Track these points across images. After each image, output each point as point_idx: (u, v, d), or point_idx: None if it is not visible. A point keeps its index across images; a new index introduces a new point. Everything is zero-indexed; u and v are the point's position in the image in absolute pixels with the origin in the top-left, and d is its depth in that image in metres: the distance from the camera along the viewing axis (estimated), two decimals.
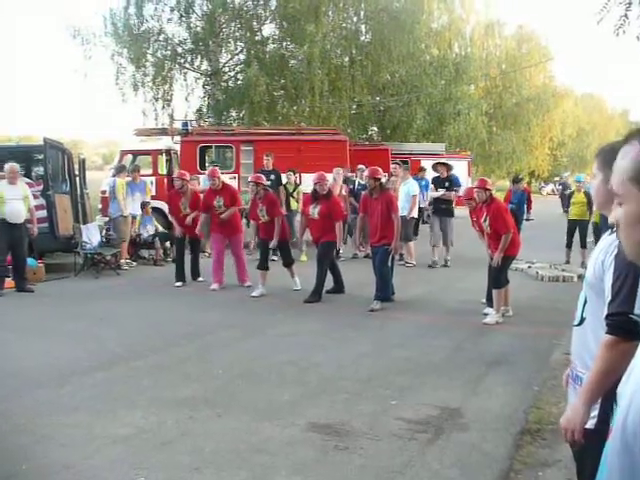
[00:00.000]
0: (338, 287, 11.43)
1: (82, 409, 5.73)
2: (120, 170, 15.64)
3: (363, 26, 30.03)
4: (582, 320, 2.79)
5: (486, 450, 4.89)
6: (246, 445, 4.91)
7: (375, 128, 33.53)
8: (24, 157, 14.45)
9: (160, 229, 16.02)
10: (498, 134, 41.57)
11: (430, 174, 16.78)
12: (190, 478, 4.40)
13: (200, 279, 12.69)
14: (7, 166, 11.92)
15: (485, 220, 9.22)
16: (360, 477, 4.44)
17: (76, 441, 5.02)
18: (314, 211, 10.96)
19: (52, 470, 4.54)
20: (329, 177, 14.05)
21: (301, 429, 5.22)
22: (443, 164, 15.30)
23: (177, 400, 5.92)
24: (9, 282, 11.96)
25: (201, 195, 13.05)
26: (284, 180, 15.91)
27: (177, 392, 6.17)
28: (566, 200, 16.29)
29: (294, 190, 15.56)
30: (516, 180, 15.91)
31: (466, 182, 25.51)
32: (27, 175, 14.13)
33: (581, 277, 10.26)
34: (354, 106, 29.71)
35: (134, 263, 15.12)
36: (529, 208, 15.79)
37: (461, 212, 15.93)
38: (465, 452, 4.83)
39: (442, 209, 14.70)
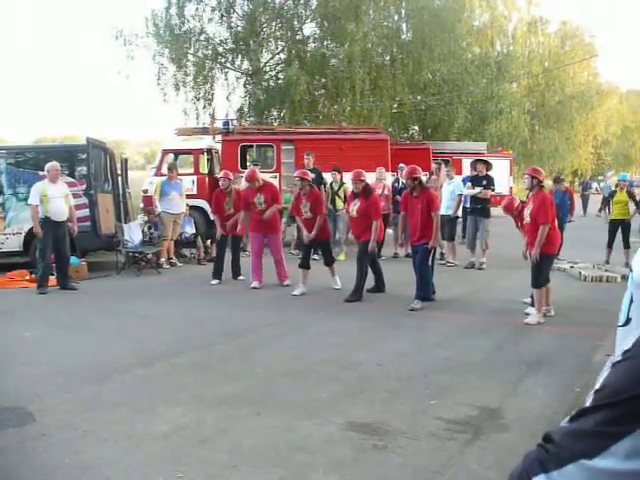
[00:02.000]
0: (379, 286, 11.41)
1: (123, 405, 5.79)
2: (170, 169, 15.74)
3: (404, 24, 29.98)
4: (627, 321, 2.72)
5: (526, 452, 4.82)
6: (284, 443, 4.92)
7: (416, 127, 33.44)
8: (67, 157, 14.63)
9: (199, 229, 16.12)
10: (540, 133, 41.20)
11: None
12: (228, 475, 4.41)
13: (241, 278, 12.74)
14: (49, 165, 12.10)
15: (528, 209, 9.10)
16: (398, 476, 4.42)
17: (117, 437, 5.08)
18: (353, 209, 10.97)
19: (93, 464, 4.59)
20: (371, 176, 14.08)
21: (339, 427, 5.21)
22: (482, 161, 15.06)
23: (217, 398, 5.95)
24: (52, 280, 12.14)
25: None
26: (328, 179, 15.89)
27: (217, 390, 6.19)
28: (604, 201, 15.94)
29: (339, 188, 15.53)
30: (557, 180, 15.57)
31: (508, 182, 25.36)
32: (71, 174, 14.31)
33: (625, 277, 10.10)
34: (395, 105, 29.65)
35: (176, 262, 15.22)
36: (572, 209, 15.30)
37: (498, 211, 15.85)
38: (504, 453, 4.77)
39: (478, 209, 14.37)
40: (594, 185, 33.91)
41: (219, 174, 13.97)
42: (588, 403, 1.53)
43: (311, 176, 12.10)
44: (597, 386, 1.54)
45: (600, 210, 29.16)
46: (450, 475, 4.42)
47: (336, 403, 5.81)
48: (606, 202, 29.66)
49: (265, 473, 4.44)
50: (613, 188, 17.49)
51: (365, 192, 10.97)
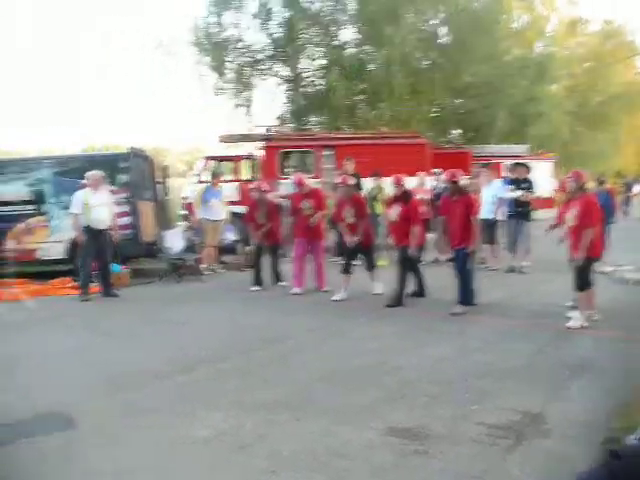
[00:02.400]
0: (420, 291, 11.36)
1: (163, 411, 5.84)
2: (213, 176, 15.86)
3: (443, 27, 29.78)
4: None
5: (569, 458, 4.76)
6: (324, 449, 4.91)
7: (456, 131, 33.20)
8: (109, 165, 14.81)
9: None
10: (583, 134, 40.64)
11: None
12: None
13: (281, 283, 12.76)
14: (91, 174, 12.26)
15: (572, 212, 8.98)
16: None
17: (157, 442, 5.13)
18: (393, 213, 10.94)
19: (133, 469, 4.64)
20: (411, 181, 14.05)
21: (379, 433, 5.18)
22: (522, 165, 14.91)
23: (256, 403, 5.96)
24: (95, 287, 12.28)
25: (282, 201, 13.16)
26: (367, 184, 15.88)
27: (256, 395, 6.21)
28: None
29: (378, 194, 15.51)
30: (600, 182, 15.36)
31: (550, 184, 25.06)
32: (112, 183, 14.49)
33: None
34: (434, 109, 29.51)
35: (217, 268, 15.30)
36: (614, 211, 14.98)
37: (540, 214, 15.68)
38: (547, 460, 4.71)
39: (518, 212, 14.15)
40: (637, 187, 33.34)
41: (252, 185, 13.99)
42: None
43: (352, 182, 12.09)
44: None
45: None
46: None
47: (376, 408, 5.79)
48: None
49: (304, 479, 4.44)
50: None
51: (405, 196, 10.95)
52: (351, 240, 11.43)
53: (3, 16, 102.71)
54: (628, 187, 35.36)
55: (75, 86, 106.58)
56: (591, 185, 12.59)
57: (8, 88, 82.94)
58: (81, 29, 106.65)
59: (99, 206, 12.09)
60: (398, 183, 10.95)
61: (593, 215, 8.85)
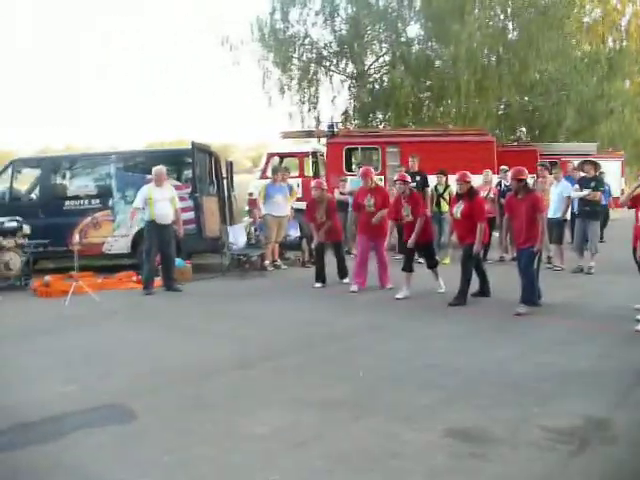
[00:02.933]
0: (484, 290, 11.22)
1: (222, 406, 5.87)
2: (274, 172, 15.92)
3: (510, 23, 29.28)
4: None
5: (636, 467, 4.62)
6: (381, 448, 4.85)
7: (523, 128, 32.67)
8: (174, 160, 15.00)
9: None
10: None
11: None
12: (323, 479, 4.40)
13: (345, 280, 12.71)
14: (155, 169, 12.41)
15: None
16: None
17: (215, 436, 5.14)
18: (457, 210, 10.83)
19: (190, 462, 4.67)
20: (477, 178, 13.88)
21: (438, 434, 5.10)
22: (591, 162, 14.55)
23: (315, 401, 5.94)
24: (158, 281, 12.43)
25: (346, 197, 13.13)
26: (432, 182, 15.75)
27: (316, 393, 6.19)
28: None
29: (444, 191, 15.37)
30: None
31: (619, 183, 24.52)
32: (177, 178, 14.66)
33: None
34: (501, 106, 29.12)
35: (281, 264, 15.34)
36: None
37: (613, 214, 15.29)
38: (612, 468, 4.57)
39: (586, 211, 13.75)
40: None
41: (312, 183, 13.94)
42: None
43: (409, 179, 11.97)
44: None
45: None
46: None
47: (436, 409, 5.72)
48: None
49: (360, 479, 4.40)
50: None
51: (469, 194, 10.82)
52: (411, 240, 11.31)
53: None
54: None
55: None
56: None
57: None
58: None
59: (162, 201, 12.22)
60: (463, 180, 10.82)
61: None
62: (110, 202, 14.71)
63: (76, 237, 12.93)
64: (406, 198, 11.42)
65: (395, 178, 12.02)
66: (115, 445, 5.04)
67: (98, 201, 14.81)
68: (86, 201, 14.81)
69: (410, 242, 11.32)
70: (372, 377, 6.74)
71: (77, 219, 14.60)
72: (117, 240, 14.59)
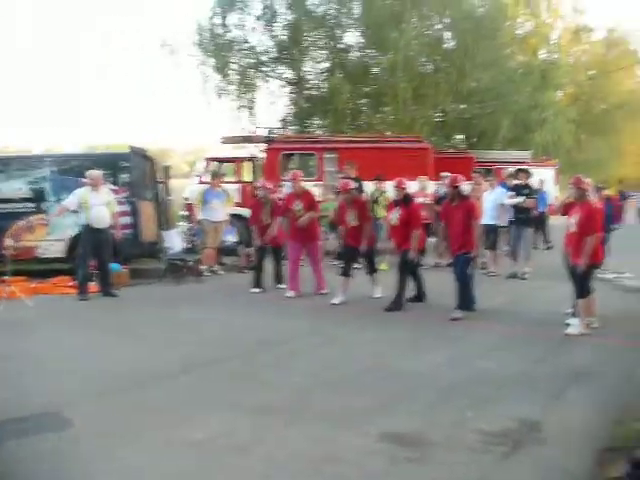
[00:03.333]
0: (419, 295, 11.32)
1: (160, 412, 5.81)
2: (212, 177, 15.84)
3: (447, 33, 29.74)
4: None
5: (566, 466, 4.72)
6: (319, 453, 4.87)
7: (460, 136, 33.15)
8: (111, 164, 14.81)
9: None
10: (586, 141, 40.61)
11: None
12: None
13: (282, 286, 12.69)
14: (90, 173, 12.27)
15: (574, 217, 8.94)
16: None
17: (153, 443, 5.10)
18: (394, 217, 10.91)
19: (128, 470, 4.62)
20: (413, 185, 14.01)
21: (374, 439, 5.14)
22: (523, 171, 14.84)
23: (254, 407, 5.92)
24: (94, 286, 12.26)
25: (282, 203, 13.11)
26: (369, 188, 15.84)
27: (254, 398, 6.17)
28: None
29: (380, 197, 15.45)
30: (599, 188, 15.16)
31: (553, 190, 24.99)
32: (114, 182, 14.48)
33: None
34: (438, 114, 29.45)
35: (218, 269, 15.26)
36: (617, 217, 14.74)
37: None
38: (543, 468, 4.67)
39: (520, 218, 14.04)
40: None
41: (257, 183, 13.98)
42: None
43: (353, 186, 12.03)
44: None
45: None
46: None
47: (373, 414, 5.74)
48: None
49: None
50: None
51: (406, 200, 10.91)
52: (362, 247, 11.35)
53: (3, 16, 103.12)
54: (623, 196, 35.37)
55: (76, 86, 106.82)
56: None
57: (8, 88, 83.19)
58: (81, 29, 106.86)
59: (99, 205, 12.07)
60: (400, 187, 10.91)
61: (596, 222, 8.81)
62: (44, 205, 14.45)
63: (9, 241, 12.69)
64: (351, 204, 11.46)
65: (337, 187, 12.01)
66: (51, 454, 4.95)
67: (32, 204, 14.54)
68: (20, 204, 14.53)
69: (361, 249, 11.36)
70: (308, 382, 6.75)
71: (10, 222, 14.31)
72: (52, 244, 14.35)
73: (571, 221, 9.00)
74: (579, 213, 8.90)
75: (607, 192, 15.17)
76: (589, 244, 8.69)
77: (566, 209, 9.42)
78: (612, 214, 14.15)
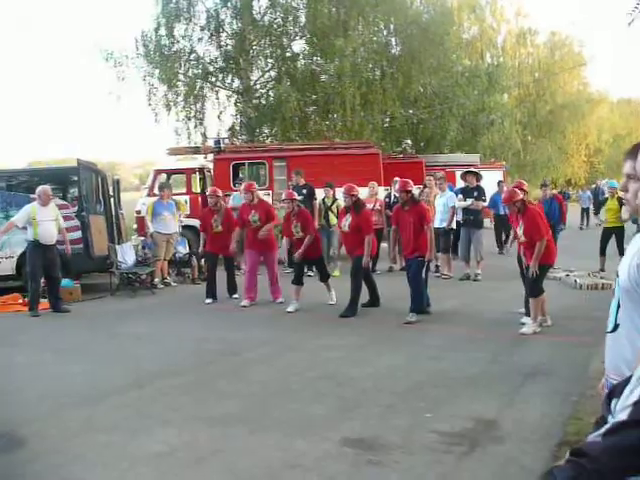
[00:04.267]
0: (374, 300, 11.37)
1: (116, 428, 5.73)
2: (161, 189, 15.70)
3: (393, 39, 30.08)
4: (616, 327, 2.68)
5: (523, 463, 4.78)
6: (279, 461, 4.87)
7: (409, 141, 33.45)
8: (60, 179, 14.66)
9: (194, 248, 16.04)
10: (533, 143, 41.34)
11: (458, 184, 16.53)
12: None
13: (235, 296, 12.64)
14: (40, 188, 12.10)
15: (520, 228, 9.10)
16: None
17: (110, 460, 5.03)
18: (345, 224, 10.95)
19: None
20: (363, 191, 14.08)
21: (335, 444, 5.15)
22: (472, 173, 15.00)
23: (211, 417, 5.90)
24: (45, 303, 12.09)
25: (234, 212, 13.08)
26: (320, 195, 15.87)
27: (211, 409, 6.14)
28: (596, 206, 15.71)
29: (332, 204, 15.46)
30: (543, 185, 15.25)
31: (501, 193, 25.31)
32: (63, 197, 14.31)
33: None
34: (387, 119, 29.69)
35: (171, 281, 15.16)
36: (563, 217, 14.92)
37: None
38: (501, 465, 4.73)
39: (471, 220, 14.26)
40: (587, 194, 33.85)
41: (208, 190, 13.96)
42: (623, 416, 1.46)
43: (297, 197, 11.98)
44: (635, 398, 1.47)
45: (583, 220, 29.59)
46: None
47: (331, 419, 5.76)
48: (585, 212, 29.99)
49: None
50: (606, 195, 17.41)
51: (356, 207, 10.94)
52: (297, 255, 11.40)
53: None
54: (564, 197, 36.06)
55: (17, 101, 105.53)
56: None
57: None
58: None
59: (47, 221, 11.91)
60: (349, 193, 10.94)
61: (540, 227, 8.96)
62: None
63: None
64: (295, 216, 11.47)
65: (283, 197, 11.99)
66: (5, 475, 4.88)
67: None
68: None
69: (296, 256, 11.41)
70: (266, 391, 6.75)
71: None
72: (1, 262, 14.10)
73: (519, 231, 9.15)
74: (524, 222, 9.04)
75: (553, 191, 15.31)
76: (538, 249, 8.83)
77: (510, 219, 9.63)
78: (560, 212, 14.34)
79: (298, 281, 11.41)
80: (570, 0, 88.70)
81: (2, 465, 5.04)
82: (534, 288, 9.04)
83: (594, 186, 34.26)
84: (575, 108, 43.50)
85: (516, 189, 9.47)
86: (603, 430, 1.43)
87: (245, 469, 4.76)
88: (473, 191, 14.18)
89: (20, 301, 12.77)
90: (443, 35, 29.21)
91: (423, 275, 10.22)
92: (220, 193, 13.15)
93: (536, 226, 8.95)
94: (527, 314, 9.30)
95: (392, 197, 15.71)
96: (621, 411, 1.46)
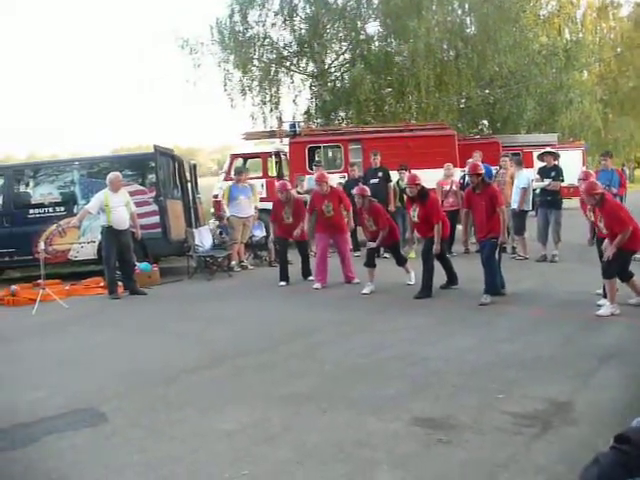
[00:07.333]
0: (452, 279, 11.33)
1: (190, 405, 5.88)
2: (237, 173, 15.89)
3: (467, 18, 29.65)
4: None
5: (597, 446, 4.69)
6: (349, 439, 4.92)
7: (485, 121, 33.01)
8: (137, 165, 14.98)
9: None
10: (614, 121, 40.22)
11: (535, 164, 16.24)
12: (293, 472, 4.43)
13: (310, 278, 12.77)
14: (111, 175, 12.44)
15: (600, 221, 8.92)
16: (462, 471, 4.36)
17: (184, 435, 5.17)
18: (414, 214, 10.94)
19: (161, 462, 4.69)
20: (440, 172, 14.07)
21: (405, 423, 5.18)
22: (550, 153, 14.71)
23: (283, 396, 5.99)
24: (121, 286, 12.42)
25: (306, 196, 13.18)
26: (394, 177, 15.85)
27: (283, 388, 6.24)
28: None
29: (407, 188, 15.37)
30: (604, 155, 14.28)
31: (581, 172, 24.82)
32: (142, 182, 14.65)
33: None
34: (462, 100, 29.39)
35: (247, 264, 15.36)
36: (622, 187, 14.05)
37: (570, 203, 15.45)
38: (574, 448, 4.67)
39: (548, 201, 13.95)
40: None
41: (276, 185, 14.07)
42: None
43: (368, 192, 11.90)
44: None
45: None
46: (516, 470, 4.35)
47: (402, 399, 5.78)
48: None
49: (330, 469, 4.45)
50: None
51: (421, 196, 10.89)
52: (369, 244, 11.49)
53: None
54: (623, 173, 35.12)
55: (103, 90, 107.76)
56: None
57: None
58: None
59: (119, 206, 12.23)
60: (413, 183, 10.91)
61: (623, 220, 8.73)
62: (75, 209, 14.61)
63: (41, 245, 12.89)
64: (367, 210, 11.50)
65: (354, 192, 11.95)
66: (86, 447, 5.06)
67: (63, 208, 14.72)
68: (51, 209, 14.73)
69: (374, 245, 11.47)
70: (338, 370, 6.81)
71: (42, 227, 14.51)
72: (83, 247, 14.53)
73: (600, 225, 8.97)
74: (604, 217, 8.86)
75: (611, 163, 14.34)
76: (621, 237, 8.63)
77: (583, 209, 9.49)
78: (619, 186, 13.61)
79: (370, 263, 11.45)
80: None
81: (87, 438, 5.23)
82: (608, 269, 8.86)
83: None
84: None
85: (596, 182, 9.23)
86: None
87: (315, 446, 4.83)
88: (550, 171, 13.90)
89: (102, 284, 13.14)
90: (519, 12, 28.69)
91: (497, 257, 10.15)
92: (289, 186, 13.28)
93: (618, 219, 8.73)
94: (605, 296, 9.15)
95: (466, 178, 15.57)
96: None
